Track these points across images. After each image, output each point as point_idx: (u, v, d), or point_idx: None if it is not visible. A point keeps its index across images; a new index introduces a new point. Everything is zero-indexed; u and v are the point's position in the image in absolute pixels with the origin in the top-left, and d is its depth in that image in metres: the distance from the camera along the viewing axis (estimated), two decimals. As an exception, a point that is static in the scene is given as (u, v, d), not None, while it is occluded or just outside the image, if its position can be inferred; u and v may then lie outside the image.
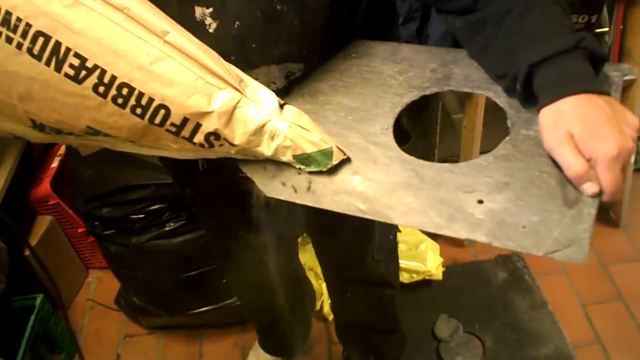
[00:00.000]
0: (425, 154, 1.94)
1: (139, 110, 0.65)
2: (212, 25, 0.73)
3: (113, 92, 0.63)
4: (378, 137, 0.74)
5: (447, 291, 1.84)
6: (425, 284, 1.85)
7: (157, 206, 1.53)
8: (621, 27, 1.69)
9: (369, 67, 0.86)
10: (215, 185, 1.04)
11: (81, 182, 1.59)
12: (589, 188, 0.60)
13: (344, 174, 0.71)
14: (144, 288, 1.71)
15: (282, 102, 0.70)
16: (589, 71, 0.66)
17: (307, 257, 1.77)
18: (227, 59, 0.69)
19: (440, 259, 1.85)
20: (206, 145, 0.68)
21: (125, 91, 0.63)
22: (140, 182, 1.49)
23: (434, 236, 1.92)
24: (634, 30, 1.65)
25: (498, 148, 0.70)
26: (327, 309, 1.77)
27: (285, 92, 0.82)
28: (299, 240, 1.80)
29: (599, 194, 0.61)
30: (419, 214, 0.65)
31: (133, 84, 0.63)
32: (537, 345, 1.67)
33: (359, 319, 1.45)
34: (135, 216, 1.54)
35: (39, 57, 0.61)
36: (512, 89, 0.73)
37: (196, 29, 0.70)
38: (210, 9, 0.73)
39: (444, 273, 1.85)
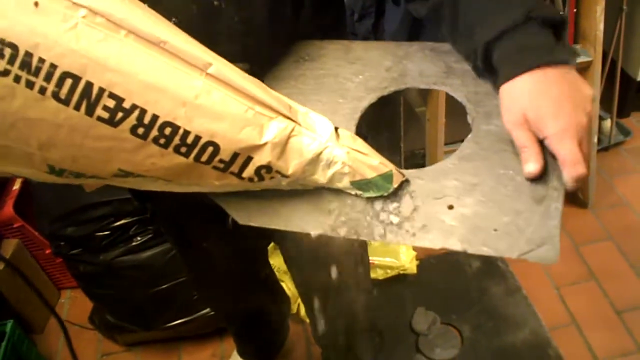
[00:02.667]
0: (391, 149, 1.94)
1: (183, 149, 0.58)
2: None
3: (154, 133, 0.56)
4: None
5: (423, 284, 1.85)
6: (400, 278, 1.85)
7: (122, 222, 1.51)
8: (574, 9, 1.70)
9: (323, 70, 0.85)
10: (175, 196, 1.02)
11: (43, 202, 1.56)
12: (528, 167, 0.62)
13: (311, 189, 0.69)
14: (117, 305, 1.68)
15: (335, 126, 0.66)
16: (544, 41, 0.66)
17: (281, 261, 1.76)
18: None
19: (414, 253, 1.85)
20: (256, 179, 0.63)
21: (168, 131, 0.56)
22: (102, 199, 1.47)
23: (406, 230, 1.92)
24: (587, 12, 1.66)
25: (462, 147, 0.69)
26: (303, 311, 1.76)
27: None
28: (271, 245, 1.79)
29: (539, 175, 0.62)
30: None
31: (177, 122, 0.56)
32: (514, 331, 1.68)
33: (333, 323, 1.44)
34: (101, 233, 1.51)
35: (66, 102, 0.53)
36: (478, 67, 0.73)
37: None
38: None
39: (418, 266, 1.86)
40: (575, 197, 2.03)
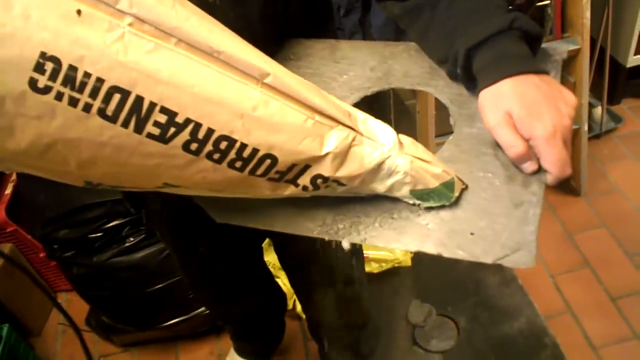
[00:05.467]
0: (383, 143, 1.94)
1: (238, 164, 0.54)
2: None
3: (208, 147, 0.52)
4: None
5: (418, 276, 1.85)
6: (395, 271, 1.85)
7: (114, 223, 1.51)
8: (561, -2, 1.70)
9: (309, 69, 0.85)
10: (171, 204, 1.02)
11: (35, 206, 1.56)
12: (529, 166, 0.62)
13: None
14: (112, 306, 1.69)
15: (399, 135, 0.62)
16: (524, 51, 0.67)
17: (276, 258, 1.76)
18: None
19: (408, 245, 1.85)
20: (311, 187, 0.59)
21: (223, 145, 0.52)
22: (94, 201, 1.47)
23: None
24: (573, 0, 1.66)
25: (442, 149, 0.69)
26: (300, 307, 1.77)
27: None
28: (266, 242, 1.79)
29: (538, 170, 0.62)
30: (370, 228, 0.65)
31: (234, 136, 0.52)
32: (509, 320, 1.68)
33: (330, 318, 1.44)
34: (94, 235, 1.52)
35: (113, 119, 0.48)
36: (454, 73, 0.74)
37: None
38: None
39: (412, 259, 1.85)
40: (567, 186, 2.03)
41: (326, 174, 0.58)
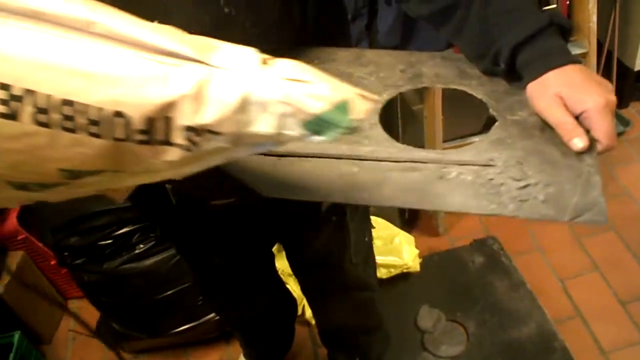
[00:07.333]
0: (391, 148, 1.94)
1: (94, 129, 0.50)
2: None
3: (56, 116, 0.49)
4: (368, 131, 0.76)
5: (426, 282, 1.85)
6: (404, 277, 1.85)
7: (124, 230, 1.52)
8: (567, 2, 1.70)
9: (337, 70, 0.85)
10: (188, 219, 1.03)
11: (46, 213, 1.58)
12: (578, 142, 0.67)
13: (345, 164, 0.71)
14: (122, 313, 1.70)
15: (266, 56, 0.54)
16: (563, 45, 0.73)
17: (286, 264, 1.76)
18: None
19: (416, 251, 1.85)
20: (187, 143, 0.53)
21: (68, 110, 0.49)
22: (103, 208, 1.48)
23: (408, 228, 1.93)
24: (580, 4, 1.67)
25: (490, 134, 0.73)
26: (309, 313, 1.77)
27: None
28: (275, 248, 1.80)
29: (589, 148, 0.66)
30: (463, 197, 0.67)
31: (72, 97, 0.49)
32: (519, 325, 1.68)
33: (340, 324, 1.45)
34: (104, 242, 1.52)
35: None
36: (491, 69, 0.79)
37: None
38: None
39: (421, 264, 1.86)
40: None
41: (190, 122, 0.51)
